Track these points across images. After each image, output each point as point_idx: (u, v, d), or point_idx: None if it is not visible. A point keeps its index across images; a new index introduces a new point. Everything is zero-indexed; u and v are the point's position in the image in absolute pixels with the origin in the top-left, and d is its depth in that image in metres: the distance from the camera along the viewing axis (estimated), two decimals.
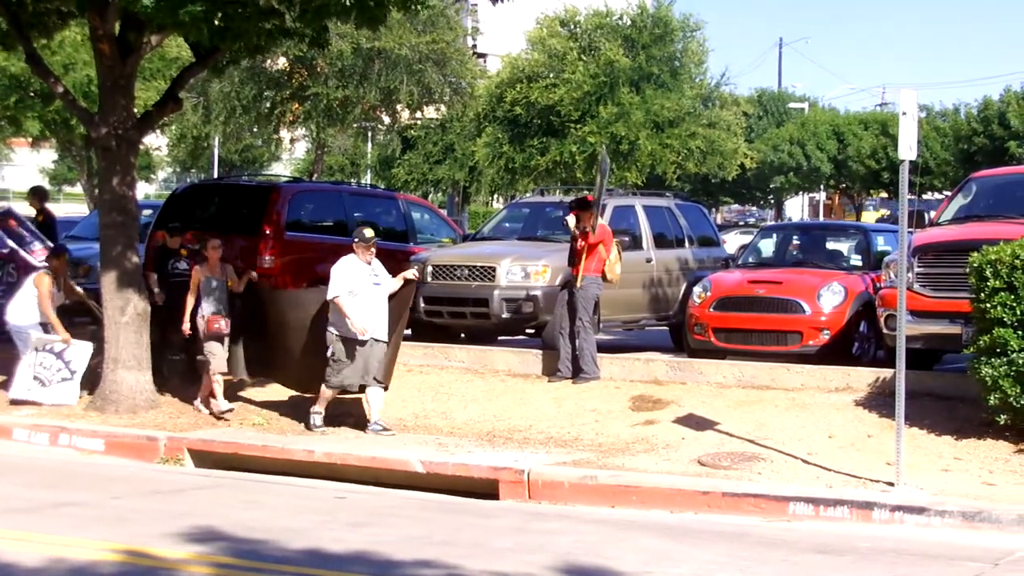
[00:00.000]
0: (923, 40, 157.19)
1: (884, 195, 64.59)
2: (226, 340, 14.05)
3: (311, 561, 8.48)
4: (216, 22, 12.46)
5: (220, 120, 37.20)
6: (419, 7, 13.77)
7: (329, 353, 13.19)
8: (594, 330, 14.96)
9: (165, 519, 9.61)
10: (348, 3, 12.70)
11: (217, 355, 13.92)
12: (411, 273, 13.90)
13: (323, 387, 13.33)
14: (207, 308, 14.01)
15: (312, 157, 50.41)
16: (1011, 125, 46.17)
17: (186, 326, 14.09)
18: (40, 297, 14.48)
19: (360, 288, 13.21)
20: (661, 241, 18.60)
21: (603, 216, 15.46)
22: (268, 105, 36.26)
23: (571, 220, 14.85)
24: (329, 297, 13.17)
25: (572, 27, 37.18)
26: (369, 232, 13.53)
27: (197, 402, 14.21)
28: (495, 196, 50.55)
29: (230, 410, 13.93)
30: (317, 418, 13.32)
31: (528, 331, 17.40)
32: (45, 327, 14.53)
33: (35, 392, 14.21)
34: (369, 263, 13.38)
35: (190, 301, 14.10)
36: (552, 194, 22.47)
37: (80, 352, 14.52)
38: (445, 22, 35.78)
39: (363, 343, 13.11)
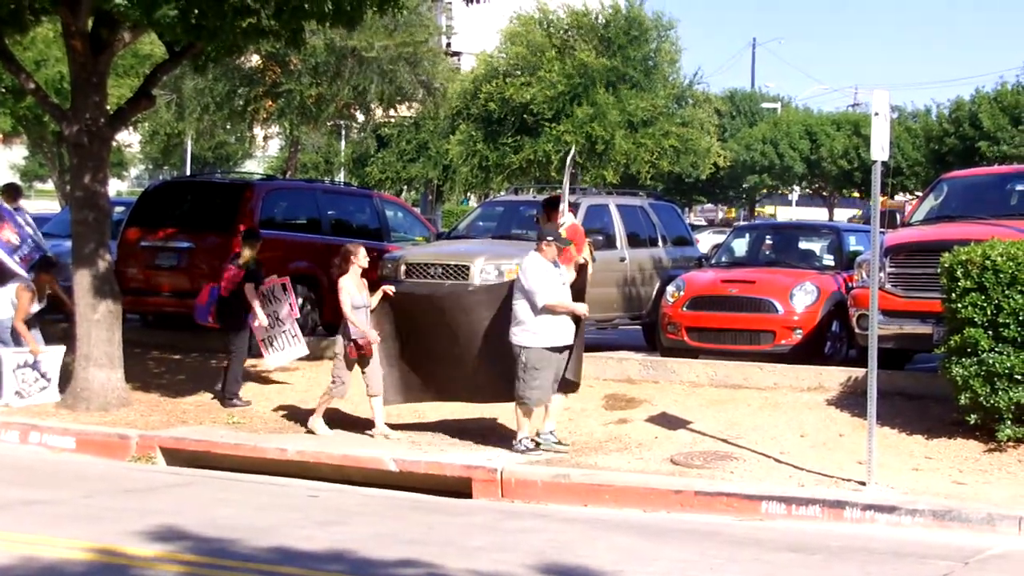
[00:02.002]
0: (895, 41, 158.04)
1: (856, 195, 64.88)
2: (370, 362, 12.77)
3: (282, 559, 8.46)
4: (191, 20, 12.40)
5: (193, 117, 37.04)
6: (396, 10, 13.73)
7: (521, 367, 11.74)
8: None
9: (136, 517, 9.57)
10: (326, 6, 12.67)
11: (346, 383, 12.80)
12: (583, 257, 12.73)
13: (518, 410, 11.90)
14: (357, 328, 12.64)
15: (286, 155, 50.25)
16: (982, 126, 46.46)
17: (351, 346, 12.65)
18: (18, 311, 14.40)
19: (555, 290, 12.00)
20: (635, 240, 18.63)
21: (576, 215, 15.46)
22: (241, 102, 36.11)
23: (543, 219, 14.86)
24: (542, 303, 11.72)
25: (547, 25, 37.19)
26: (563, 231, 12.52)
27: (315, 421, 12.91)
28: (468, 194, 50.48)
29: (322, 432, 12.78)
30: (526, 443, 11.89)
31: None
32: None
33: (15, 404, 14.09)
34: (555, 263, 12.18)
35: (350, 315, 12.63)
36: (526, 193, 22.48)
37: (53, 358, 14.45)
38: (418, 20, 35.71)
39: (560, 350, 11.88)
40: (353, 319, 12.58)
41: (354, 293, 12.69)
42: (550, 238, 12.11)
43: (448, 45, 50.22)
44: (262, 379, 15.29)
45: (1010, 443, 11.20)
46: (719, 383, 13.92)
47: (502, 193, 30.57)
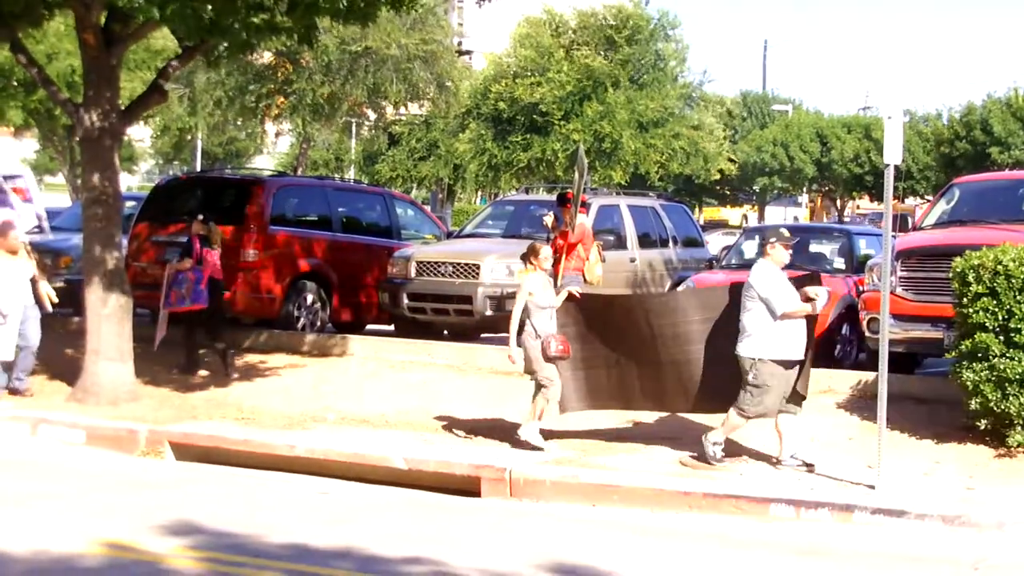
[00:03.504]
0: (907, 44, 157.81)
1: (867, 199, 64.88)
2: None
3: (293, 556, 8.46)
4: (204, 17, 12.40)
5: (205, 112, 37.12)
6: (410, 7, 13.73)
7: (751, 378, 11.06)
8: None
9: (146, 512, 9.58)
10: (340, 3, 12.65)
11: (556, 382, 11.95)
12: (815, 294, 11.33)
13: (733, 416, 11.24)
14: (546, 327, 11.94)
15: (296, 151, 50.31)
16: (993, 131, 46.38)
17: (514, 351, 12.02)
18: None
19: (793, 296, 11.18)
20: (645, 241, 18.67)
21: (587, 215, 15.47)
22: (253, 99, 36.18)
23: (548, 219, 14.91)
24: (782, 311, 10.96)
25: (556, 26, 37.25)
26: (787, 232, 11.72)
27: (528, 430, 12.02)
28: (478, 193, 50.52)
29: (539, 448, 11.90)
30: (717, 449, 11.35)
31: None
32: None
33: None
34: (785, 267, 11.37)
35: (516, 317, 12.00)
36: (536, 192, 22.52)
37: (12, 302, 13.73)
38: (435, 20, 35.79)
39: (793, 364, 11.18)
40: (535, 319, 11.83)
41: (538, 291, 11.97)
42: (773, 239, 11.29)
43: (459, 44, 50.28)
44: (271, 374, 15.30)
45: (1020, 449, 11.18)
46: None
47: (511, 192, 30.61)
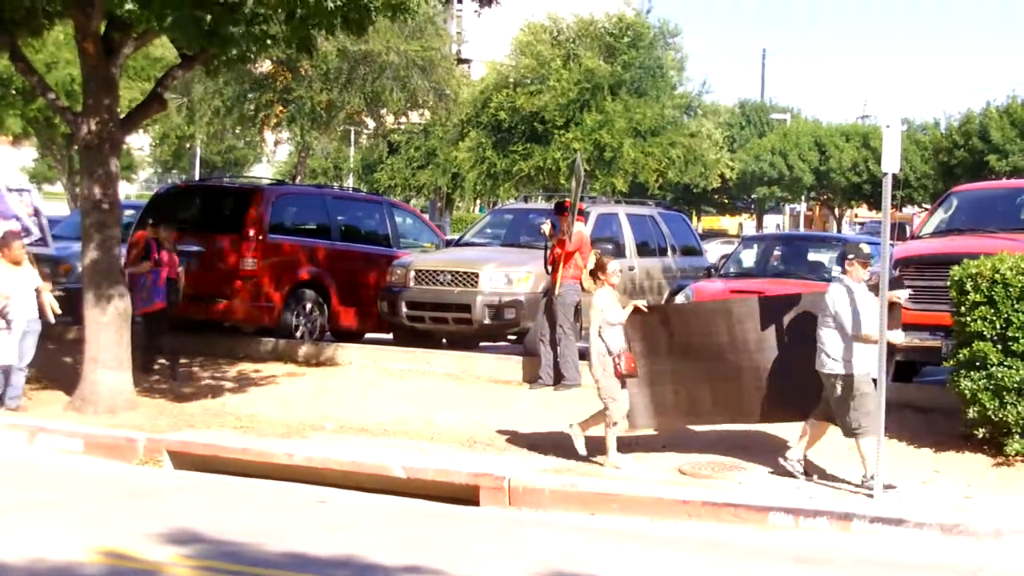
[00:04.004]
0: (905, 53, 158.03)
1: (865, 208, 64.93)
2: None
3: (292, 564, 8.46)
4: (204, 26, 12.42)
5: (203, 121, 37.15)
6: (405, 16, 13.74)
7: (847, 396, 10.77)
8: (575, 337, 14.99)
9: (144, 520, 9.58)
10: (331, 11, 12.66)
11: (620, 401, 11.67)
12: (897, 295, 11.11)
13: (862, 445, 10.82)
14: (617, 343, 11.67)
15: (295, 160, 50.37)
16: (992, 139, 46.43)
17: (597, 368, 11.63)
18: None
19: (871, 310, 10.86)
20: (644, 249, 18.68)
21: (585, 223, 15.49)
22: (252, 107, 36.21)
23: (546, 228, 14.93)
24: (854, 332, 10.72)
25: (556, 34, 37.30)
26: (867, 248, 11.45)
27: (612, 457, 11.71)
28: (477, 202, 50.57)
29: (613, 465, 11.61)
30: (797, 466, 11.17)
31: (510, 337, 17.43)
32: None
33: None
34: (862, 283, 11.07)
35: (595, 336, 11.65)
36: (535, 201, 22.54)
37: (18, 311, 13.70)
38: (433, 29, 35.85)
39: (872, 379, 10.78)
40: (606, 336, 11.54)
41: (608, 308, 11.67)
42: (851, 256, 10.95)
43: (459, 53, 50.32)
44: (269, 383, 15.31)
45: (1018, 457, 11.19)
46: None
47: (511, 201, 30.64)
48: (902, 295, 11.17)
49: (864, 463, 10.80)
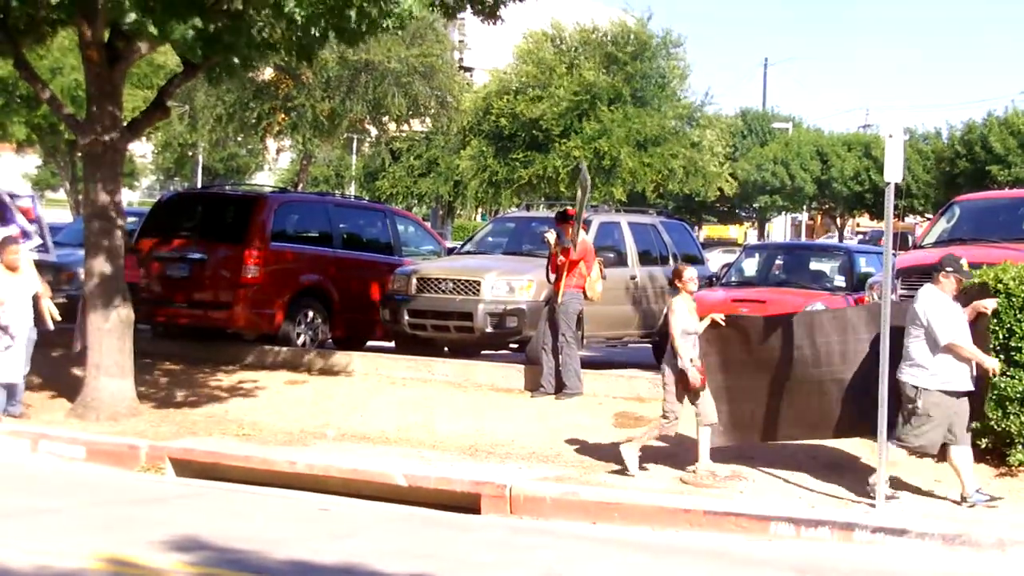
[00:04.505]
0: (906, 62, 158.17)
1: (867, 217, 64.91)
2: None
3: (294, 572, 8.47)
4: (207, 36, 12.44)
5: (205, 129, 37.20)
6: (398, 28, 13.70)
7: (911, 409, 10.60)
8: (577, 346, 14.99)
9: (146, 528, 9.58)
10: (328, 32, 12.70)
11: (679, 416, 11.51)
12: (985, 306, 10.87)
13: (893, 448, 10.81)
14: (690, 354, 11.40)
15: (297, 167, 50.42)
16: (993, 149, 46.45)
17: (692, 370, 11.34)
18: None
19: (961, 329, 10.67)
20: (646, 258, 18.68)
21: (588, 232, 15.50)
22: (254, 115, 36.27)
23: (550, 236, 14.90)
24: (945, 341, 10.49)
25: (559, 42, 37.32)
26: (965, 261, 11.10)
27: (628, 450, 11.63)
28: (478, 210, 50.59)
29: (712, 474, 11.38)
30: (975, 494, 10.68)
31: (512, 345, 17.43)
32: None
33: None
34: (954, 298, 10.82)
35: (680, 343, 11.38)
36: (537, 209, 22.55)
37: (17, 320, 13.62)
38: (434, 35, 35.92)
39: (958, 395, 10.62)
40: (680, 347, 11.35)
41: (686, 317, 11.47)
42: (949, 269, 10.72)
43: (461, 60, 50.38)
44: (271, 390, 15.31)
45: (1021, 468, 11.20)
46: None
47: (512, 209, 30.66)
48: (990, 304, 10.80)
49: (962, 477, 10.64)
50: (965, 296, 10.76)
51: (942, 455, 10.90)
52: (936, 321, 10.49)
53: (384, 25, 12.75)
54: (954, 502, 10.71)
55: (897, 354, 10.68)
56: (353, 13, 12.38)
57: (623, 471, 11.54)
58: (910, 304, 10.79)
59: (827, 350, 11.32)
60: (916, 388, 10.57)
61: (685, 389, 11.39)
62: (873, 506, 10.41)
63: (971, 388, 10.61)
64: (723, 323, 11.69)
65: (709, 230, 69.42)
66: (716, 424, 11.51)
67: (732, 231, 72.12)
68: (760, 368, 11.56)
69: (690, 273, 11.76)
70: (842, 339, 11.31)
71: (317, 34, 12.90)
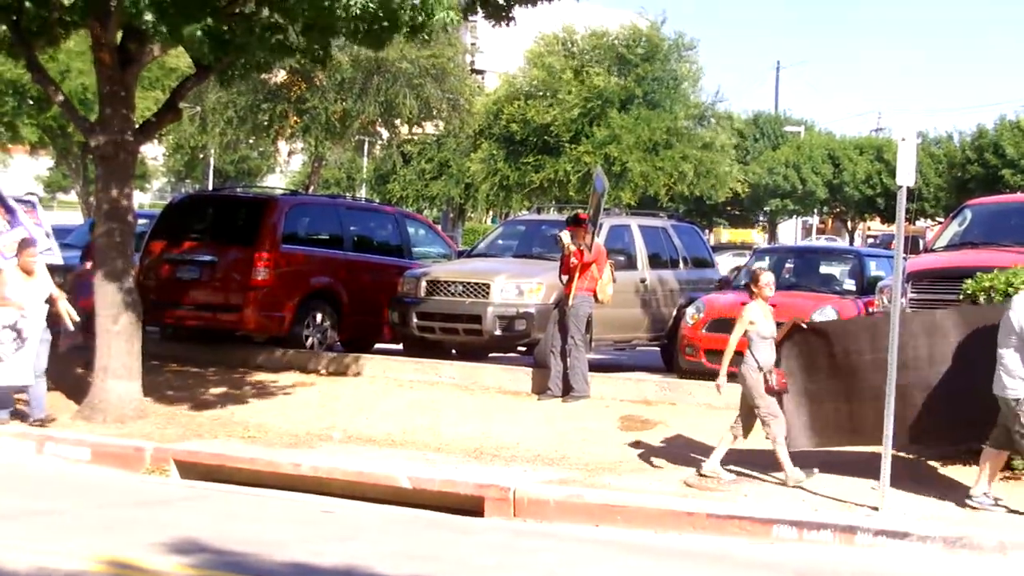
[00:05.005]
0: (920, 66, 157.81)
1: (878, 221, 64.75)
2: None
3: (294, 574, 8.48)
4: (220, 37, 12.47)
5: (216, 131, 37.28)
6: (426, 35, 13.78)
7: (1017, 420, 10.23)
8: (586, 349, 14.99)
9: (150, 530, 9.61)
10: (355, 24, 12.64)
11: (779, 416, 11.38)
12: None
13: (991, 456, 10.62)
14: (767, 358, 11.41)
15: (308, 170, 50.52)
16: (1005, 153, 46.35)
17: (723, 381, 11.54)
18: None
19: None
20: (655, 261, 18.68)
21: (599, 235, 15.51)
22: (266, 117, 36.33)
23: (565, 237, 14.86)
24: None
25: (570, 46, 37.32)
26: None
27: (712, 464, 11.52)
28: (489, 212, 50.61)
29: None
30: (986, 500, 10.57)
31: (520, 348, 17.43)
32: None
33: None
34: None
35: (732, 347, 11.54)
36: (547, 212, 22.55)
37: (34, 322, 13.59)
38: (446, 38, 35.97)
39: None
40: (756, 350, 11.31)
41: (760, 321, 11.41)
42: None
43: (472, 63, 50.40)
44: (278, 393, 15.34)
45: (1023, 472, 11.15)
46: (736, 406, 13.84)
47: (523, 212, 30.67)
48: None
49: (980, 479, 10.49)
50: None
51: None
52: None
53: (423, 27, 12.90)
54: (956, 503, 10.62)
55: (985, 364, 10.41)
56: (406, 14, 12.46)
57: (793, 481, 11.25)
58: (1004, 312, 10.39)
59: (914, 355, 11.02)
60: (1017, 399, 10.19)
61: (769, 391, 11.30)
62: (876, 509, 10.39)
63: None
64: (804, 326, 11.56)
65: (731, 234, 69.27)
66: (784, 433, 11.30)
67: (754, 235, 71.85)
68: (844, 372, 11.31)
69: (766, 279, 11.64)
70: (927, 344, 11.02)
71: (352, 34, 12.89)
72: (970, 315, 11.04)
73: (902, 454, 11.63)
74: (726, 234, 69.22)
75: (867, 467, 11.36)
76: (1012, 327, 10.25)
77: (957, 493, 10.95)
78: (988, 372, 10.43)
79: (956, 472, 11.46)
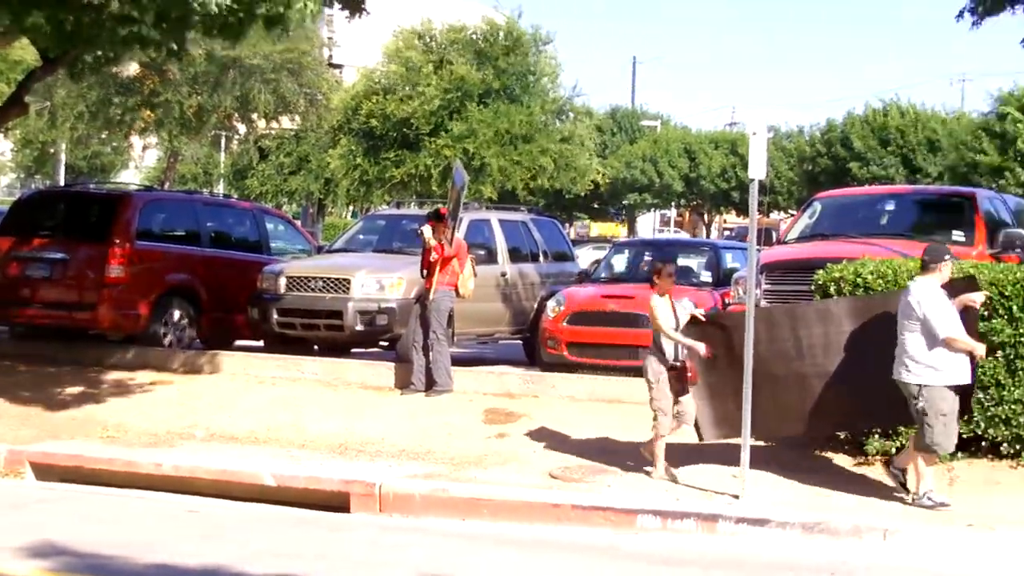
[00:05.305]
0: (772, 61, 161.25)
1: (734, 214, 65.93)
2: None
3: (159, 575, 8.34)
4: (67, 28, 12.17)
5: (66, 126, 36.37)
6: (284, 28, 13.63)
7: (921, 410, 10.21)
8: (448, 343, 15.00)
9: (5, 533, 9.34)
10: (212, 17, 12.45)
11: (668, 413, 11.33)
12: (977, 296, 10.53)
13: (923, 458, 10.45)
14: (671, 350, 11.30)
15: (163, 165, 49.57)
16: (853, 147, 47.56)
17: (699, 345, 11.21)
18: None
19: (956, 321, 10.30)
20: (516, 255, 18.78)
21: (459, 230, 15.53)
22: (118, 112, 35.57)
23: (426, 231, 14.84)
24: (943, 335, 10.12)
25: (428, 40, 37.27)
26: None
27: (659, 469, 11.40)
28: (349, 207, 50.26)
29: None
30: (935, 496, 10.44)
31: (382, 343, 17.38)
32: None
33: None
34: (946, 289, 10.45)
35: (673, 335, 11.25)
36: (408, 207, 22.52)
37: None
38: (302, 32, 35.63)
39: (959, 389, 10.27)
40: (677, 339, 11.20)
41: (666, 314, 11.32)
42: (947, 257, 10.44)
43: (330, 57, 49.99)
44: (137, 392, 15.06)
45: (877, 457, 11.48)
46: (598, 398, 14.06)
47: (383, 207, 30.58)
48: (978, 298, 10.49)
49: (918, 476, 10.46)
50: (951, 289, 10.49)
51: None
52: (933, 313, 10.15)
53: (280, 18, 12.70)
54: (902, 501, 10.63)
55: (879, 351, 10.53)
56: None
57: (659, 477, 11.29)
58: (901, 297, 10.48)
59: (809, 343, 11.09)
60: (918, 386, 10.23)
61: (678, 382, 11.27)
62: (737, 497, 10.61)
63: (969, 381, 10.33)
64: (704, 319, 11.53)
65: (601, 228, 69.86)
66: (664, 435, 11.36)
67: (622, 230, 72.45)
68: (740, 363, 11.10)
69: (669, 270, 11.60)
70: (822, 333, 11.07)
71: (208, 27, 12.67)
72: (862, 304, 11.15)
73: (760, 443, 11.87)
74: (596, 228, 69.93)
75: (732, 456, 11.60)
76: (911, 312, 10.27)
77: (818, 477, 11.23)
78: (882, 359, 10.52)
79: (814, 459, 11.74)
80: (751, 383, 10.71)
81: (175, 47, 14.50)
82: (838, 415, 11.17)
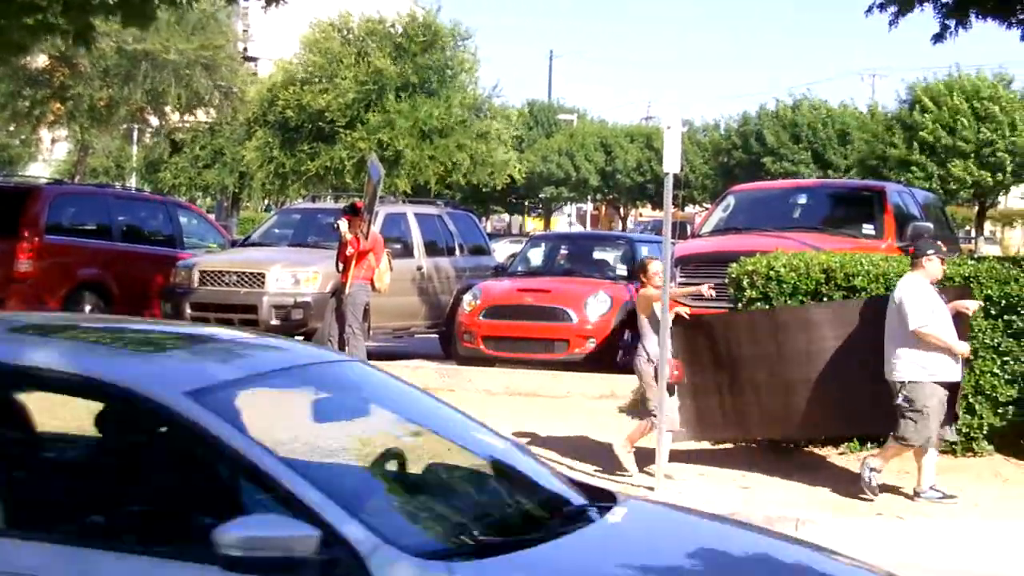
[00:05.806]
0: (688, 56, 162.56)
1: (649, 207, 66.38)
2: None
3: None
4: None
5: None
6: (189, 4, 13.47)
7: (907, 404, 10.00)
8: (364, 337, 14.94)
9: None
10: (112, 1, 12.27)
11: (674, 408, 10.98)
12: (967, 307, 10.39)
13: (893, 446, 10.29)
14: (655, 349, 10.80)
15: (74, 158, 48.83)
16: (767, 141, 48.13)
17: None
18: None
19: (939, 313, 10.12)
20: (432, 249, 18.75)
21: (375, 223, 15.47)
22: (27, 104, 34.97)
23: (342, 225, 14.75)
24: (914, 327, 9.90)
25: (346, 32, 37.03)
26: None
27: (622, 452, 11.09)
28: (265, 201, 49.84)
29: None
30: (876, 476, 10.32)
31: (298, 338, 17.26)
32: None
33: None
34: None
35: (649, 335, 10.91)
36: (323, 200, 22.39)
37: None
38: (216, 26, 35.25)
39: (947, 385, 10.10)
40: (647, 342, 10.88)
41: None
42: (931, 252, 10.23)
43: (245, 50, 49.55)
44: None
45: (792, 447, 11.60)
46: (514, 391, 14.08)
47: (299, 200, 30.36)
48: (971, 306, 10.37)
49: (880, 459, 10.35)
50: (945, 294, 10.30)
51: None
52: (909, 306, 9.97)
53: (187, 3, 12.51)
54: (907, 496, 10.52)
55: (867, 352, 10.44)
56: None
57: (622, 473, 11.01)
58: (890, 295, 10.36)
59: (792, 347, 10.96)
60: (902, 382, 10.05)
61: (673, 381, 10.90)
62: (652, 489, 10.65)
63: (958, 378, 10.19)
64: (687, 318, 11.26)
65: (532, 221, 69.91)
66: (676, 427, 11.06)
67: (560, 223, 72.31)
68: (727, 365, 11.19)
69: (655, 267, 11.10)
70: (806, 338, 10.92)
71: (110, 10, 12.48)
72: (842, 309, 11.06)
73: (685, 445, 11.94)
74: (531, 223, 69.94)
75: (642, 451, 11.66)
76: (894, 308, 10.17)
77: (733, 470, 11.30)
78: (865, 364, 10.45)
79: (730, 452, 11.82)
80: (665, 378, 10.70)
81: (83, 34, 14.26)
82: (819, 419, 11.06)
